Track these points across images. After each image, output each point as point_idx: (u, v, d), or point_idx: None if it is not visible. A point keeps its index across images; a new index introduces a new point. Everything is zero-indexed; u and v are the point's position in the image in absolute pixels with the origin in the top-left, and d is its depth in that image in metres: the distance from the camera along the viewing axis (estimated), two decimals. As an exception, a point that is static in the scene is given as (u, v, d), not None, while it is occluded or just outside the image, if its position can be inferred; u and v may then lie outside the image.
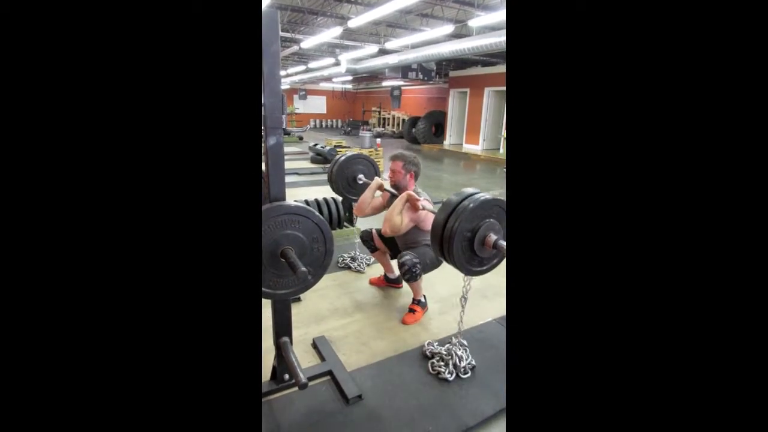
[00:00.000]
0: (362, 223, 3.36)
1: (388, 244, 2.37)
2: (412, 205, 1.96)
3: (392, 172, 2.16)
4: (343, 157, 2.58)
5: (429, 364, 1.76)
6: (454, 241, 1.32)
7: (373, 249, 2.45)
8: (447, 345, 1.82)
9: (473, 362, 1.77)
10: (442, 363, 1.74)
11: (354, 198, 2.60)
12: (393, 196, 2.14)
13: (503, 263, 1.47)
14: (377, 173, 2.64)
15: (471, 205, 1.32)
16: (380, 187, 2.25)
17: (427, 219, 2.04)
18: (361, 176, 2.57)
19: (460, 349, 1.77)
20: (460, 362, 1.72)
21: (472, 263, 1.42)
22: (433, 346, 1.86)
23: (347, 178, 2.58)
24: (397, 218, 1.95)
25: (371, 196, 2.23)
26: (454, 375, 1.69)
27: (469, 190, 1.41)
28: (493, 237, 1.36)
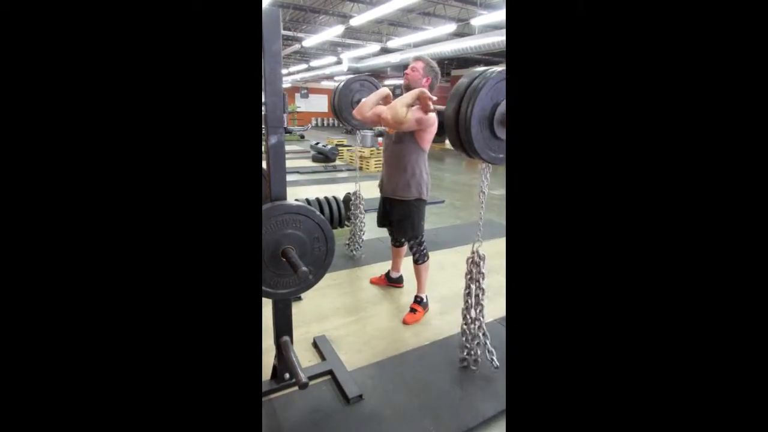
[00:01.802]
0: (369, 221, 3.36)
1: (384, 221, 2.28)
2: (423, 103, 1.79)
3: (412, 69, 1.96)
4: (341, 84, 2.40)
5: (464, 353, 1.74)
6: (471, 125, 1.19)
7: (399, 244, 2.39)
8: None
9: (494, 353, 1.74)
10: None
11: (356, 123, 2.40)
12: None
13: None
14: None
15: (485, 80, 1.20)
16: (386, 98, 2.03)
17: (429, 131, 1.94)
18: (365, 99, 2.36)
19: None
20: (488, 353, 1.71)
21: (491, 147, 1.28)
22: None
23: (351, 102, 2.38)
24: (403, 109, 1.79)
25: (375, 100, 2.00)
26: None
27: (479, 69, 1.28)
28: None
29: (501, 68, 1.23)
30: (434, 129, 1.98)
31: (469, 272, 1.66)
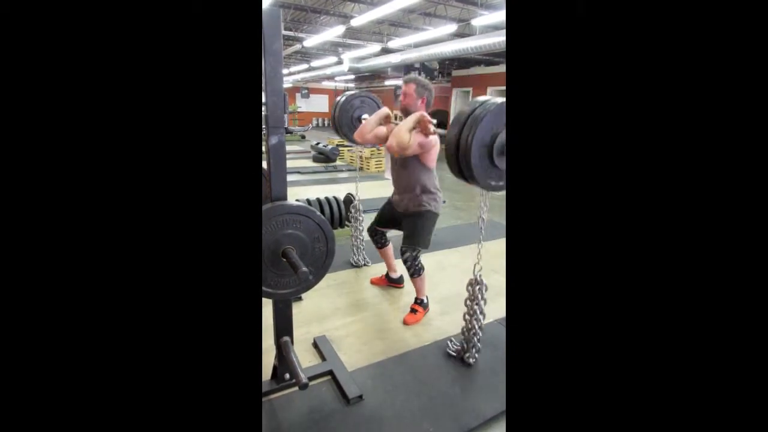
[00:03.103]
0: (367, 222, 3.35)
1: (387, 222, 2.30)
2: (423, 127, 1.83)
3: (404, 95, 1.99)
4: (342, 98, 2.41)
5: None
6: (471, 154, 1.21)
7: (382, 244, 2.41)
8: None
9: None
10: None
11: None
12: None
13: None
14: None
15: (486, 112, 1.22)
16: (387, 118, 2.08)
17: (433, 151, 1.96)
18: (365, 116, 2.36)
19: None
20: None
21: (491, 176, 1.30)
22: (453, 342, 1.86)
23: (351, 118, 2.38)
24: (406, 135, 1.83)
25: (375, 122, 2.06)
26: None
27: (481, 98, 1.31)
28: None
29: (502, 99, 1.25)
30: (437, 148, 1.98)
31: (470, 295, 1.74)
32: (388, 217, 2.30)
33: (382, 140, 2.06)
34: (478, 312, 1.73)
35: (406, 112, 1.98)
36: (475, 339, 1.77)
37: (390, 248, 2.46)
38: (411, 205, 2.11)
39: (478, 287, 1.71)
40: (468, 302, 1.75)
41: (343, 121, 2.39)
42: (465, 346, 1.80)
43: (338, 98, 2.43)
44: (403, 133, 1.83)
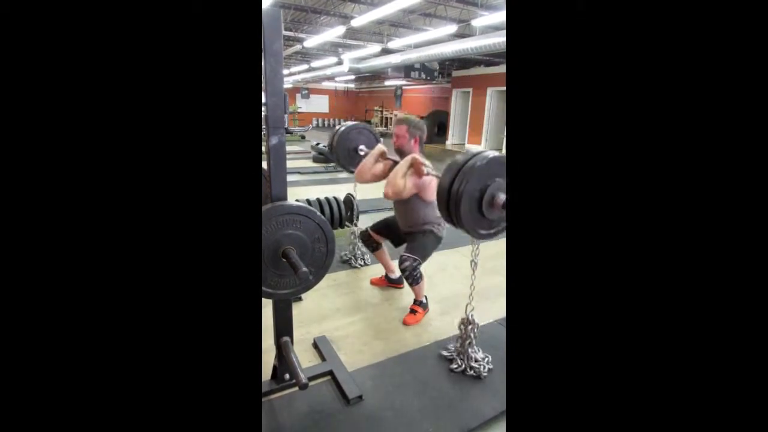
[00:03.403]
0: (364, 223, 3.35)
1: (387, 233, 2.34)
2: (416, 169, 1.90)
3: (396, 136, 2.07)
4: (343, 128, 2.48)
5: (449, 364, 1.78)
6: (461, 203, 1.26)
7: (374, 248, 2.44)
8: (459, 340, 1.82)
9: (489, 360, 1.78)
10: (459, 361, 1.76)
11: (353, 169, 2.46)
12: (396, 164, 2.06)
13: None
14: (379, 143, 2.52)
15: (478, 164, 1.26)
16: (382, 155, 2.17)
17: (430, 187, 1.98)
18: (362, 147, 2.45)
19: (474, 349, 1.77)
20: (475, 362, 1.74)
21: (481, 226, 1.35)
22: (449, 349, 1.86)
23: (348, 149, 2.47)
24: (401, 181, 1.89)
25: (372, 161, 2.15)
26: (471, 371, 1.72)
27: (474, 149, 1.35)
28: (502, 197, 1.29)
29: (495, 153, 1.30)
30: (434, 184, 2.00)
31: (461, 339, 1.77)
32: (391, 227, 2.32)
33: (381, 178, 2.15)
34: (469, 350, 1.74)
35: (401, 152, 2.06)
36: (471, 371, 1.76)
37: (384, 250, 2.47)
38: (414, 229, 2.17)
39: (470, 326, 1.75)
40: (459, 341, 1.78)
41: (342, 154, 2.46)
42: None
43: (337, 128, 2.51)
44: (398, 180, 1.89)
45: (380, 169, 2.17)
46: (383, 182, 2.09)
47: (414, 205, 2.08)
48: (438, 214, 2.10)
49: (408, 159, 1.91)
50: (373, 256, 2.55)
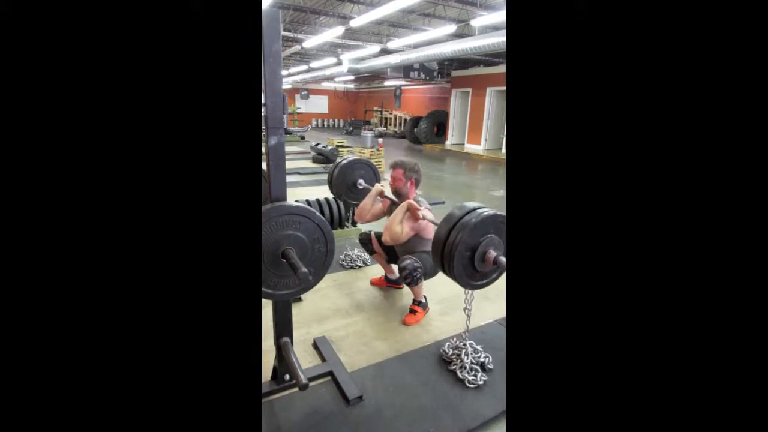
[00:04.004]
0: (364, 225, 3.35)
1: (387, 250, 2.37)
2: (413, 214, 1.96)
3: (393, 179, 2.15)
4: (344, 161, 2.56)
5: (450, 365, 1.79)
6: (455, 257, 1.33)
7: (371, 251, 2.45)
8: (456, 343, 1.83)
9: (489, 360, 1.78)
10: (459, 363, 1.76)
11: (354, 203, 2.58)
12: (393, 203, 2.13)
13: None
14: (377, 178, 2.61)
15: (472, 220, 1.33)
16: (381, 194, 2.24)
17: (428, 227, 2.04)
18: (361, 181, 2.54)
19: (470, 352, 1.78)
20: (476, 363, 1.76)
21: (473, 278, 1.43)
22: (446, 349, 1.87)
23: (347, 183, 2.56)
24: (398, 227, 1.94)
25: (371, 202, 2.24)
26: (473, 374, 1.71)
27: (471, 204, 1.41)
28: (493, 253, 1.36)
29: (492, 211, 1.37)
30: (431, 226, 2.03)
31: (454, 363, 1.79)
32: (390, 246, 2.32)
33: (380, 216, 2.26)
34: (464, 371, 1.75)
35: (398, 194, 2.15)
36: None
37: (381, 252, 2.47)
38: (415, 251, 2.18)
39: (464, 349, 1.78)
40: (453, 364, 1.79)
41: (342, 190, 2.55)
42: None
43: (338, 161, 2.59)
44: (395, 227, 1.95)
45: (379, 208, 2.25)
46: (382, 220, 2.13)
47: (414, 245, 2.13)
48: None
49: (404, 205, 1.97)
50: (372, 258, 2.56)
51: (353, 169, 2.57)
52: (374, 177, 2.61)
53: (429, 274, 2.11)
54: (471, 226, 1.32)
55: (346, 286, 2.58)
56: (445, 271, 1.42)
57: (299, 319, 2.08)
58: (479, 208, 1.38)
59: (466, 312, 1.70)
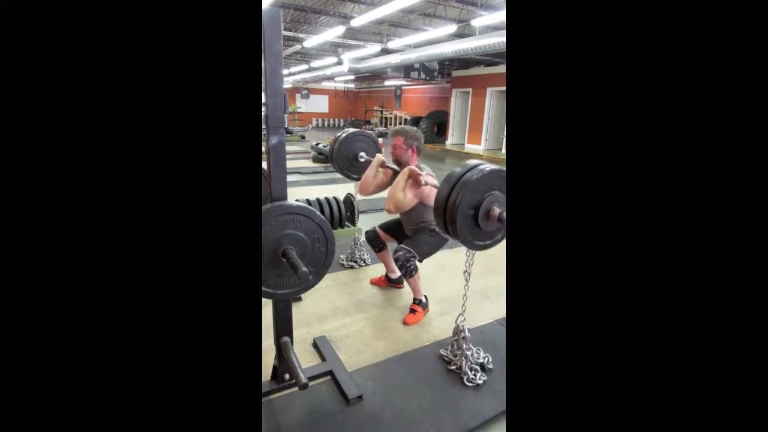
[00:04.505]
0: (364, 223, 3.35)
1: (394, 233, 2.35)
2: (415, 180, 1.92)
3: (393, 147, 2.10)
4: (343, 134, 2.48)
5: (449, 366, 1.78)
6: (457, 216, 1.27)
7: (379, 248, 2.43)
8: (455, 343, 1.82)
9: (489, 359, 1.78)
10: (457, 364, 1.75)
11: (356, 177, 2.50)
12: (396, 173, 2.08)
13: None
14: (378, 151, 2.53)
15: (474, 177, 1.27)
16: (382, 164, 2.19)
17: (431, 194, 1.98)
18: (362, 154, 2.46)
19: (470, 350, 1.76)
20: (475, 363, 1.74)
21: (477, 237, 1.36)
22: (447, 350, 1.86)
23: (348, 157, 2.48)
24: (400, 194, 1.91)
25: (374, 174, 2.18)
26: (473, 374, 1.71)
27: (472, 162, 1.35)
28: (497, 210, 1.31)
29: (492, 166, 1.31)
30: (434, 191, 2.02)
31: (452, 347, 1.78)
32: (398, 228, 2.33)
33: (383, 188, 2.20)
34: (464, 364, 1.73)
35: (399, 163, 2.09)
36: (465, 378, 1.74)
37: (388, 251, 2.47)
38: (417, 229, 2.18)
39: (462, 336, 1.75)
40: (451, 349, 1.78)
41: (342, 163, 2.48)
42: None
43: (337, 135, 2.52)
44: (398, 194, 1.91)
45: (382, 179, 2.22)
46: (386, 191, 2.11)
47: (417, 213, 2.11)
48: None
49: (405, 171, 1.92)
50: (376, 257, 2.55)
51: (353, 142, 2.49)
52: (375, 149, 2.55)
53: (429, 252, 2.11)
54: (473, 182, 1.27)
55: (347, 286, 2.58)
56: (448, 233, 1.37)
57: (299, 318, 2.08)
58: (481, 164, 1.32)
59: (465, 275, 1.65)
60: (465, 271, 1.65)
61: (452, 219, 1.29)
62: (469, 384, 1.66)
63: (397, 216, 2.40)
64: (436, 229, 2.14)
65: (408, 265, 2.03)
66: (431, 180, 1.91)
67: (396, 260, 2.04)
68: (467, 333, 1.75)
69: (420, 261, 2.09)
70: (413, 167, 1.93)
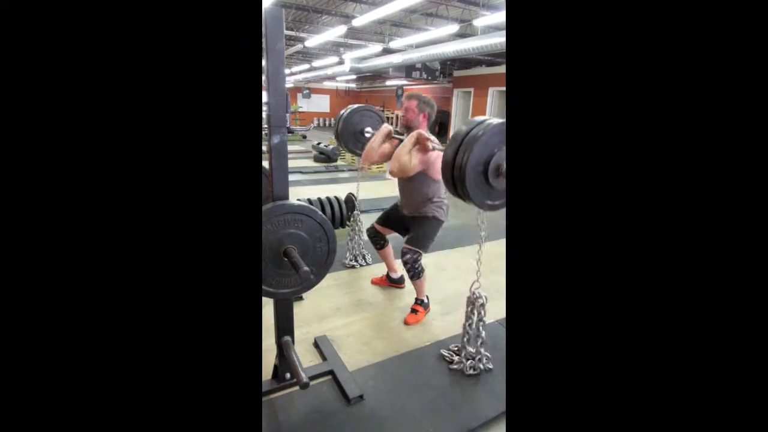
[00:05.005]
0: (364, 222, 3.35)
1: (392, 224, 2.33)
2: (422, 145, 1.85)
3: (405, 110, 2.03)
4: (346, 111, 2.40)
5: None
6: (466, 175, 1.22)
7: (381, 246, 2.42)
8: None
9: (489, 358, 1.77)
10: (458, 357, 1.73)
11: (361, 153, 2.36)
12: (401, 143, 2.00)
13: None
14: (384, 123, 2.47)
15: (481, 132, 1.22)
16: (389, 134, 2.12)
17: (436, 163, 1.96)
18: (368, 129, 2.40)
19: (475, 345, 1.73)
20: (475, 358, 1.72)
21: (489, 196, 1.31)
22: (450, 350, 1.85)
23: (354, 132, 2.40)
24: (406, 157, 1.85)
25: (379, 142, 2.10)
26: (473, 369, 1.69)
27: (479, 118, 1.30)
28: None
29: (499, 120, 1.26)
30: (440, 161, 1.99)
31: (468, 318, 1.71)
32: (393, 218, 2.31)
33: (388, 158, 2.09)
34: (476, 332, 1.69)
35: (408, 128, 2.03)
36: (477, 361, 1.73)
37: (389, 249, 2.47)
38: (417, 211, 2.14)
39: (480, 303, 1.67)
40: (467, 321, 1.72)
41: (347, 137, 2.41)
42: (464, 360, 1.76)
43: (342, 112, 2.45)
44: (403, 156, 1.85)
45: (387, 149, 2.12)
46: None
47: (419, 183, 2.04)
48: (442, 193, 2.10)
49: (414, 135, 1.86)
50: (378, 255, 2.55)
51: (359, 117, 2.41)
52: (380, 124, 2.47)
53: (434, 236, 2.11)
54: (480, 138, 1.21)
55: (348, 285, 2.58)
56: (458, 194, 1.31)
57: (300, 317, 2.08)
58: (488, 119, 1.27)
59: (480, 241, 1.56)
60: (478, 224, 1.56)
61: (461, 178, 1.23)
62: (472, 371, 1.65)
63: (391, 206, 2.38)
64: (435, 214, 2.10)
65: (416, 267, 2.03)
66: (439, 146, 1.85)
67: (405, 263, 2.04)
68: (484, 299, 1.68)
69: (425, 251, 2.09)
70: (422, 131, 1.87)
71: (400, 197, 2.25)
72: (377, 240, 2.41)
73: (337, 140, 2.49)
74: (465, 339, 1.73)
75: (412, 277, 2.08)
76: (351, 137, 2.41)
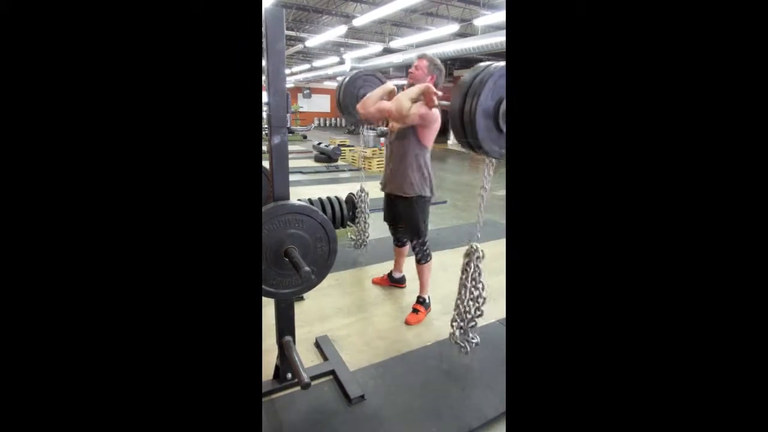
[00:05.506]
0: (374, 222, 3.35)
1: (390, 218, 2.29)
2: (428, 99, 1.73)
3: (415, 68, 1.96)
4: (346, 79, 2.31)
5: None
6: (476, 120, 1.17)
7: (400, 244, 2.40)
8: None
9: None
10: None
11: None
12: None
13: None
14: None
15: (487, 77, 1.17)
16: (391, 93, 1.98)
17: (432, 127, 1.94)
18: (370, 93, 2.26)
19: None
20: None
21: (497, 142, 1.25)
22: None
23: (357, 96, 2.27)
24: (407, 103, 1.76)
25: (380, 95, 1.94)
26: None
27: (484, 63, 1.25)
28: None
29: (503, 63, 1.22)
30: (437, 126, 1.97)
31: (465, 271, 1.64)
32: (386, 210, 2.29)
33: (385, 115, 1.94)
34: (475, 294, 1.60)
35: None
36: (471, 325, 1.64)
37: (406, 250, 2.43)
38: (401, 185, 2.06)
39: (476, 256, 1.59)
40: (462, 282, 1.62)
41: (348, 101, 2.31)
42: (457, 333, 1.68)
43: (342, 79, 2.36)
44: (405, 101, 1.76)
45: (386, 106, 1.94)
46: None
47: (409, 144, 2.00)
48: (429, 165, 2.06)
49: (422, 86, 1.75)
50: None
51: (361, 82, 2.32)
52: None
53: (426, 216, 2.12)
54: (488, 81, 1.16)
55: (349, 285, 2.58)
56: (469, 144, 1.25)
57: (301, 317, 2.09)
58: (494, 63, 1.23)
59: (481, 190, 1.48)
60: (482, 187, 1.49)
61: (472, 128, 1.18)
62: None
63: (384, 197, 2.29)
64: (420, 193, 2.03)
65: (424, 249, 2.14)
66: (444, 102, 1.73)
67: (413, 248, 2.15)
68: (481, 253, 1.60)
69: (425, 234, 2.13)
70: (431, 86, 1.74)
71: (385, 165, 2.18)
72: (398, 236, 2.39)
73: (339, 110, 2.39)
74: (461, 293, 1.64)
75: (419, 261, 2.17)
76: (353, 101, 2.28)
